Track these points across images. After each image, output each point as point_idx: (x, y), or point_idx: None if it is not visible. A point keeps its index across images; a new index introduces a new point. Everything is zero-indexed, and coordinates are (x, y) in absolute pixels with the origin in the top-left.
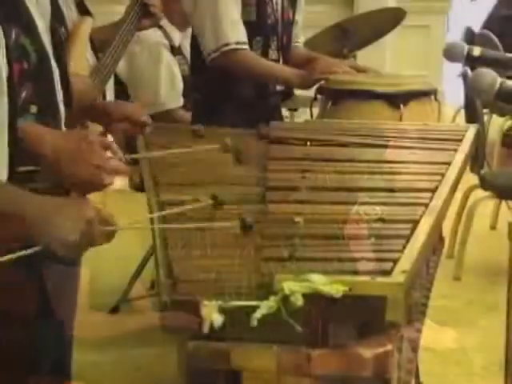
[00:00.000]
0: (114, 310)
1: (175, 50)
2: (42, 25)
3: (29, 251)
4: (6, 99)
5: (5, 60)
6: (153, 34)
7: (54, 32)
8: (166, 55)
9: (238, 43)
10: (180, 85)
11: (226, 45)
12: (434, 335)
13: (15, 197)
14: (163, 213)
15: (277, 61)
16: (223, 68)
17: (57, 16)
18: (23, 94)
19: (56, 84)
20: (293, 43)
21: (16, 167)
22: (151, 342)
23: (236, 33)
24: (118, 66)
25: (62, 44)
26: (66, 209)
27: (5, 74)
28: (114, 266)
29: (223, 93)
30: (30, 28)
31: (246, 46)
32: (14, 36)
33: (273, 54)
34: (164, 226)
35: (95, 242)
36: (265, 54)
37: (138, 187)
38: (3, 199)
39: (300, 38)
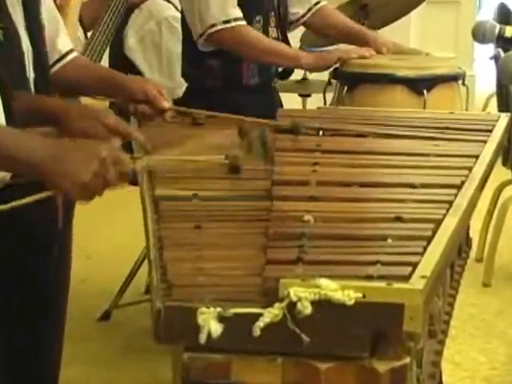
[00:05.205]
0: (105, 316)
1: None
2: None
3: (38, 196)
4: None
5: None
6: (163, 8)
7: (27, 5)
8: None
9: (227, 21)
10: None
11: (213, 25)
12: (460, 348)
13: (24, 141)
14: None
15: (277, 39)
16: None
17: None
18: None
19: (27, 65)
20: (290, 16)
21: None
22: (144, 353)
23: (224, 9)
24: (128, 47)
25: (37, 18)
26: (79, 149)
27: None
28: (107, 268)
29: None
30: None
31: (241, 22)
32: None
33: (272, 32)
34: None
35: (109, 183)
36: (265, 33)
37: (132, 180)
38: (12, 144)
39: None
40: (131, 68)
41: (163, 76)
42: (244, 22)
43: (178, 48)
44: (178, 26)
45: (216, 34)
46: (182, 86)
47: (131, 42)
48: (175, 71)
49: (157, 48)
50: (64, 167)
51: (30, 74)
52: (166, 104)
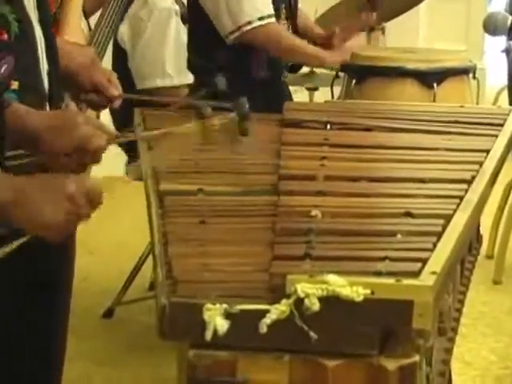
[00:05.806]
0: (108, 313)
1: (185, 18)
2: None
3: (18, 242)
4: None
5: None
6: (160, 0)
7: None
8: (175, 22)
9: (261, 18)
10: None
11: (249, 23)
12: (470, 346)
13: None
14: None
15: None
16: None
17: None
18: (3, 69)
19: (40, 56)
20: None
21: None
22: (148, 350)
23: (257, 6)
24: (119, 32)
25: (48, 8)
26: (43, 190)
27: None
28: (109, 265)
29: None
30: None
31: (272, 19)
32: None
33: (283, 24)
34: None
35: (83, 217)
36: None
37: (136, 175)
38: None
39: None
40: (124, 56)
41: (133, 65)
42: (274, 19)
43: (168, 40)
44: (173, 19)
45: (251, 31)
46: (162, 78)
47: (122, 28)
48: (161, 62)
49: (138, 36)
50: (32, 215)
51: (44, 65)
52: (115, 91)
